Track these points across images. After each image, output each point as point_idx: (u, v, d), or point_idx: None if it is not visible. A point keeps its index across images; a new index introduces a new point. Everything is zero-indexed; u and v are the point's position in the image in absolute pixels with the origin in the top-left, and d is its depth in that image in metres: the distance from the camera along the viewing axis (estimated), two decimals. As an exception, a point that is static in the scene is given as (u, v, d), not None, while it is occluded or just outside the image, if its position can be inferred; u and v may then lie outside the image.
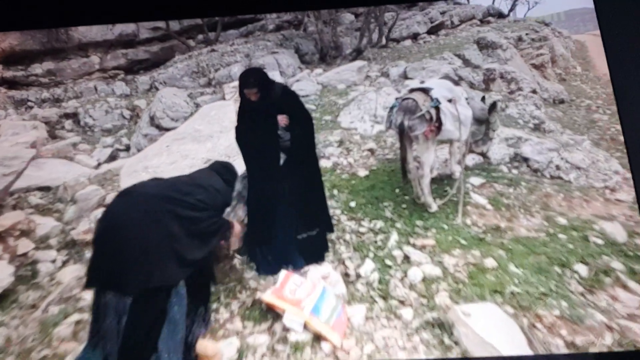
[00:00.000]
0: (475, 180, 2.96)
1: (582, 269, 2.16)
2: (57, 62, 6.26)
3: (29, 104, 5.57)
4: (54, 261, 2.51)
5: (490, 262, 2.17)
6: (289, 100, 2.16)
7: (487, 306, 1.80)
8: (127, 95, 5.66)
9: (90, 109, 4.97)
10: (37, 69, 6.05)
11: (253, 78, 2.06)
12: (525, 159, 3.20)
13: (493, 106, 3.01)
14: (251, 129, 2.11)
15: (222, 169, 1.99)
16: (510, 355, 1.63)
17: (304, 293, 1.78)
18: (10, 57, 5.93)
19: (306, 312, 1.71)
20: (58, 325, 1.87)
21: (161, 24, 6.71)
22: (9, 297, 2.14)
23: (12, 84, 5.87)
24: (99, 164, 4.09)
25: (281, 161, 2.18)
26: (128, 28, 6.69)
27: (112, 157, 4.31)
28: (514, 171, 3.16)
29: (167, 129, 4.04)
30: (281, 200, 2.19)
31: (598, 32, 2.50)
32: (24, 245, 2.54)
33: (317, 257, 2.20)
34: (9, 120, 4.77)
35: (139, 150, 4.03)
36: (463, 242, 2.37)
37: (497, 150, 3.24)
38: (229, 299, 1.98)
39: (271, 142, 2.11)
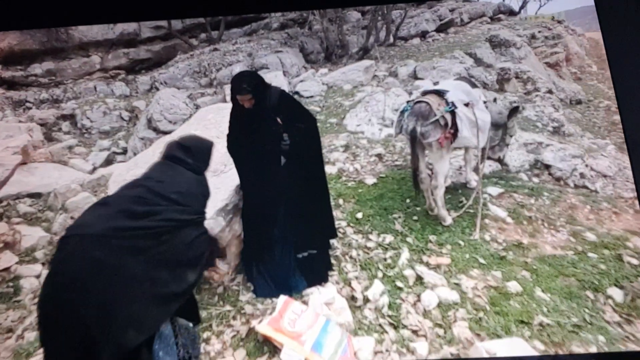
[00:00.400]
0: (493, 190, 2.73)
1: (617, 294, 1.93)
2: (57, 62, 6.11)
3: (27, 104, 5.43)
4: (38, 276, 2.33)
5: (513, 286, 1.94)
6: (287, 104, 1.94)
7: (513, 342, 1.57)
8: (126, 96, 5.49)
9: (88, 111, 4.81)
10: (37, 69, 5.91)
11: (246, 83, 1.83)
12: (547, 166, 2.96)
13: (514, 111, 2.76)
14: (245, 137, 1.90)
15: (183, 155, 1.44)
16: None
17: (304, 325, 1.57)
18: (9, 57, 5.79)
19: (307, 348, 1.50)
20: (32, 355, 1.69)
21: (163, 22, 6.54)
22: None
23: (10, 84, 5.74)
24: (94, 169, 3.92)
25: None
26: (129, 27, 6.53)
27: (109, 161, 4.14)
28: (535, 179, 2.91)
29: (165, 132, 3.85)
30: (279, 213, 1.98)
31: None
32: (7, 259, 2.37)
33: (319, 277, 1.99)
34: (4, 122, 4.63)
35: (135, 154, 3.85)
36: (482, 260, 2.14)
37: (516, 157, 3.00)
38: (222, 326, 1.78)
39: (269, 152, 1.90)
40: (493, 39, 5.82)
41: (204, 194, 1.48)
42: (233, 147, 1.96)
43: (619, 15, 2.36)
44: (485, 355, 1.49)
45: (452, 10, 8.54)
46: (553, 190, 2.77)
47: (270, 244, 1.98)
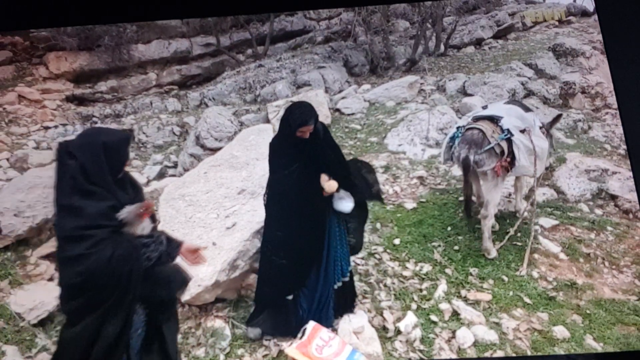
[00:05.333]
0: (546, 222, 2.64)
1: (690, 351, 1.79)
2: (119, 79, 6.98)
3: (94, 119, 6.26)
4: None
5: (560, 331, 1.89)
6: (324, 128, 2.07)
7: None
8: (178, 111, 6.09)
9: (144, 126, 5.43)
10: (102, 86, 6.80)
11: (310, 113, 1.89)
12: (613, 197, 2.78)
13: (556, 119, 2.66)
14: (303, 168, 1.91)
15: None
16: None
17: (331, 353, 1.69)
18: (81, 76, 6.74)
19: (333, 376, 1.61)
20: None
21: (212, 39, 7.16)
22: (56, 318, 2.34)
23: (81, 100, 6.66)
24: (148, 181, 4.42)
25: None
26: (182, 45, 7.25)
27: (161, 174, 4.64)
28: (598, 211, 2.75)
29: (212, 149, 4.24)
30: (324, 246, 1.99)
31: None
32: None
33: (348, 307, 2.08)
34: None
35: (184, 169, 4.28)
36: (527, 300, 2.11)
37: (576, 185, 2.86)
38: (255, 345, 1.96)
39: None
40: (557, 48, 5.54)
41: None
42: (286, 181, 1.94)
43: (618, 15, 2.44)
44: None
45: (512, 15, 8.22)
46: (619, 225, 2.60)
47: (304, 281, 1.97)
